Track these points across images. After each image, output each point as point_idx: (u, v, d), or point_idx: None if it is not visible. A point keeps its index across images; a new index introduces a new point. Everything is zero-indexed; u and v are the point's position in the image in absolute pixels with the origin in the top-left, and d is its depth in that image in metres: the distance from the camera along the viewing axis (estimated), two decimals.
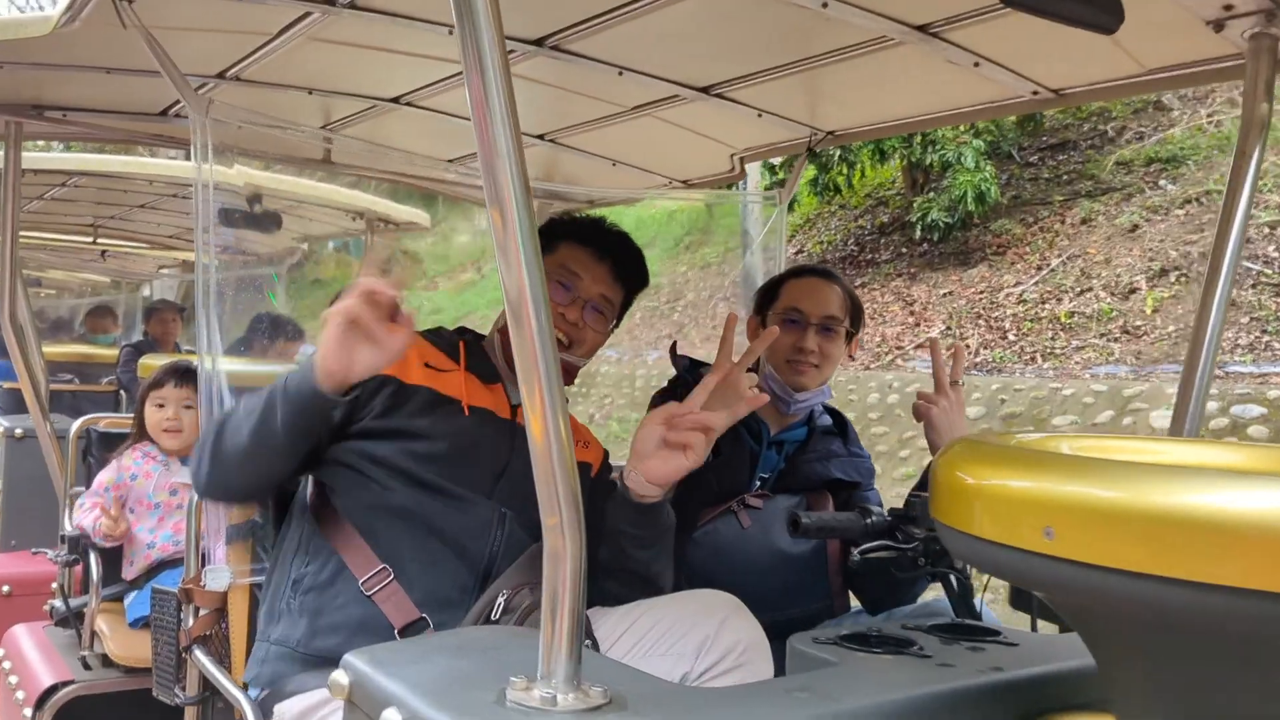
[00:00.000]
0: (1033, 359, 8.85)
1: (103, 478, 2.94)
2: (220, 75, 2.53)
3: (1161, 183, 10.35)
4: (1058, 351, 8.76)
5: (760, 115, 2.57)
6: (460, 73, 2.49)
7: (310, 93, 2.70)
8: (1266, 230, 8.70)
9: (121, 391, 5.47)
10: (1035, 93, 2.16)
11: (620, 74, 2.35)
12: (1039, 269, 9.99)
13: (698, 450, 1.64)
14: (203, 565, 1.93)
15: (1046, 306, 9.43)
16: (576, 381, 2.07)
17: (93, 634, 2.74)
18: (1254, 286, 8.24)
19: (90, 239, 6.29)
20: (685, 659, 1.57)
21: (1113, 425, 7.41)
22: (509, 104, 1.01)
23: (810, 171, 11.24)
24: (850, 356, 2.29)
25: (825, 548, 2.12)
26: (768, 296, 2.34)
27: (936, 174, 11.31)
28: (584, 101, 2.65)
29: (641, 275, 2.04)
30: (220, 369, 1.93)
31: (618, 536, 1.73)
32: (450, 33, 2.17)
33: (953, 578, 1.64)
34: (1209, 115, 10.99)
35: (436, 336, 1.97)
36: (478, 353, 1.96)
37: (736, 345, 1.79)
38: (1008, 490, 0.94)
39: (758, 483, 2.20)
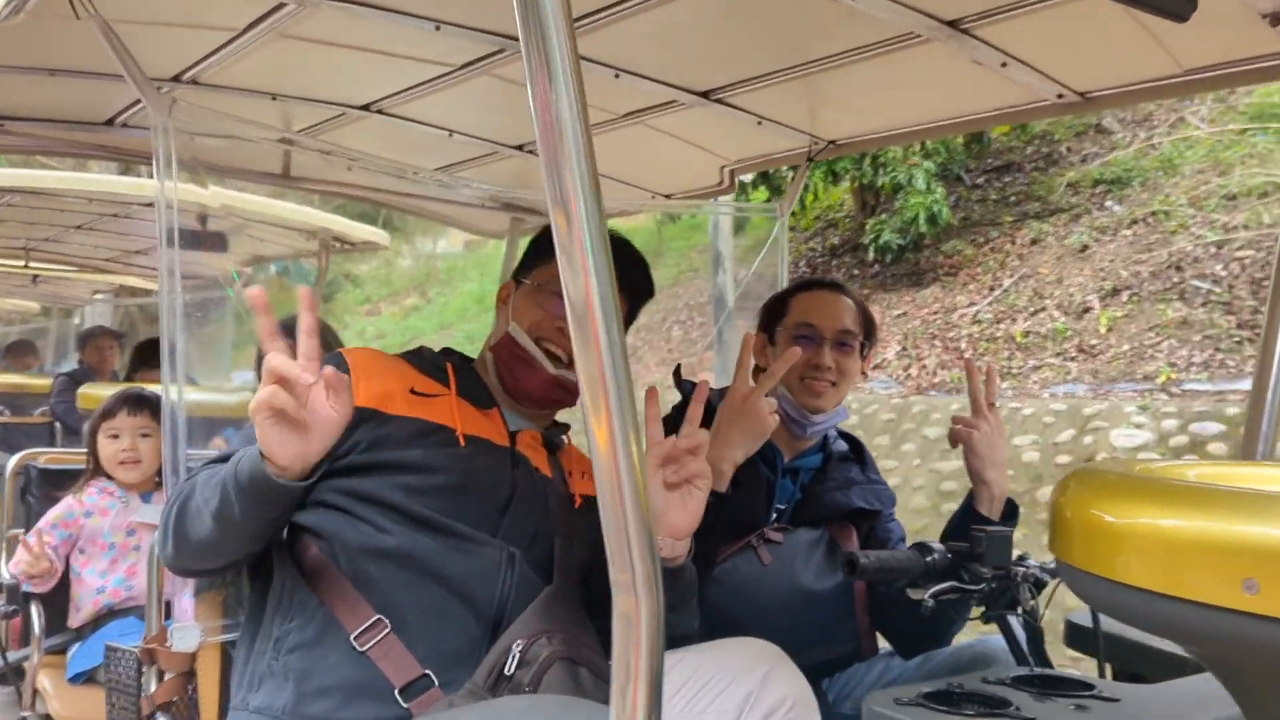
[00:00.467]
0: None
1: (52, 514, 2.68)
2: (175, 78, 2.33)
3: (1108, 204, 10.47)
4: (1015, 371, 8.76)
5: (760, 123, 2.43)
6: (442, 75, 2.34)
7: (274, 98, 2.50)
8: (1214, 249, 8.81)
9: (57, 424, 5.15)
10: (1060, 96, 2.04)
11: (617, 76, 2.19)
12: (991, 289, 10.02)
13: (706, 477, 1.49)
14: (165, 618, 1.72)
15: (1001, 326, 9.45)
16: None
17: (34, 692, 2.48)
18: (1204, 305, 8.33)
19: (22, 263, 5.97)
20: (727, 716, 1.40)
21: (1074, 445, 7.40)
22: (578, 94, 0.86)
23: (762, 193, 11.19)
24: (864, 373, 2.15)
25: (851, 584, 1.97)
26: (775, 312, 2.19)
27: (887, 196, 11.34)
28: None
29: (645, 285, 1.88)
30: (185, 400, 1.72)
31: None
32: (437, 29, 2.00)
33: (1014, 621, 1.49)
34: (1147, 138, 11.18)
35: (419, 359, 1.78)
36: (469, 375, 1.77)
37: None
38: (1189, 534, 0.79)
39: (774, 514, 2.04)
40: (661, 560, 1.51)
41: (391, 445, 1.57)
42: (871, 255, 11.04)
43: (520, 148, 2.87)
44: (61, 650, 2.60)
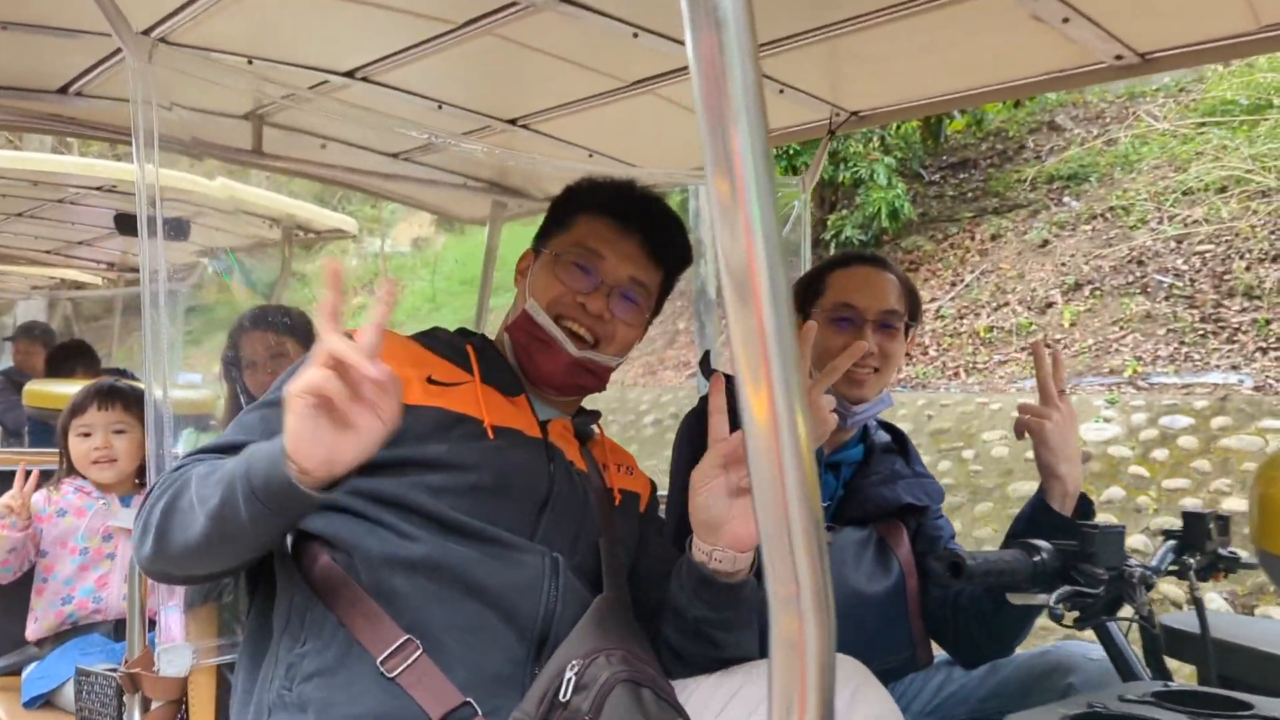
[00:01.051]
0: (956, 374, 8.80)
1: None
2: (145, 33, 2.09)
3: (1065, 199, 10.51)
4: (980, 366, 8.72)
5: (782, 91, 2.26)
6: (440, 35, 2.14)
7: (250, 62, 2.28)
8: (1174, 244, 8.85)
9: None
10: (1119, 57, 1.90)
11: (636, 36, 2.01)
12: (953, 284, 10.00)
13: None
14: (149, 634, 1.50)
15: (965, 322, 9.42)
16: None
17: None
18: (1167, 299, 8.35)
19: None
20: None
21: None
22: (749, 40, 0.69)
23: None
24: (907, 354, 1.99)
25: (905, 587, 1.80)
26: (810, 291, 2.01)
27: (847, 191, 11.29)
28: (577, 75, 2.30)
29: (681, 250, 1.67)
30: (170, 397, 1.52)
31: (698, 624, 1.40)
32: None
33: (1114, 627, 1.34)
34: (1100, 135, 11.27)
35: (434, 342, 1.58)
36: (493, 359, 1.57)
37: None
38: None
39: None
40: (720, 575, 1.34)
41: (412, 440, 1.37)
42: (833, 251, 10.97)
43: (514, 122, 2.68)
44: (15, 671, 2.34)
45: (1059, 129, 11.95)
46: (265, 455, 1.16)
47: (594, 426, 1.65)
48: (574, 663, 1.24)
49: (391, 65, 2.31)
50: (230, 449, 1.34)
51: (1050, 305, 8.94)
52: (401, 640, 1.25)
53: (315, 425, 1.11)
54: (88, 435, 2.48)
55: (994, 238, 10.42)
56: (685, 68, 2.18)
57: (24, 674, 2.33)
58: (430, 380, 1.45)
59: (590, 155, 2.85)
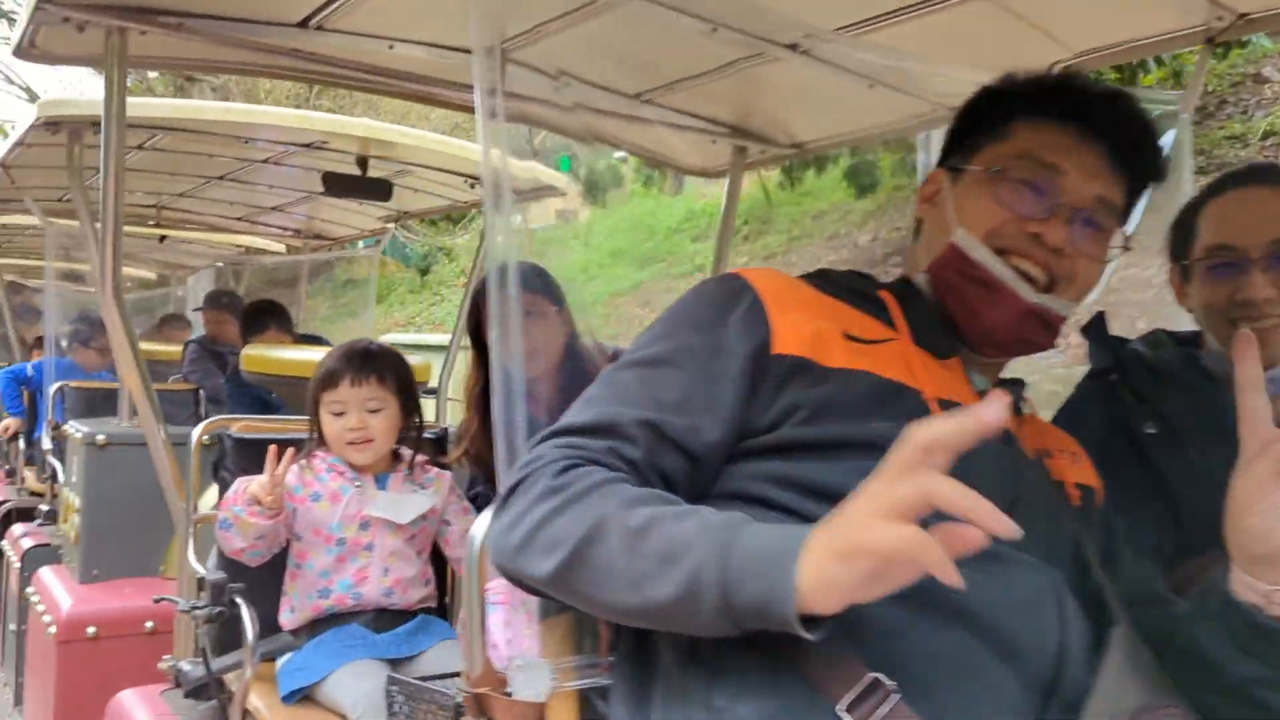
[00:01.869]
0: None
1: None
2: None
3: None
4: None
5: None
6: None
7: None
8: None
9: (200, 391, 4.82)
10: None
11: None
12: (1159, 252, 9.22)
13: None
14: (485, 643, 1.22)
15: None
16: None
17: (244, 714, 2.02)
18: None
19: (153, 222, 5.57)
20: None
21: None
22: None
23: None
24: None
25: None
26: (1184, 231, 1.60)
27: None
28: None
29: (1153, 159, 1.25)
30: (516, 376, 1.24)
31: (1244, 684, 1.03)
32: None
33: None
34: None
35: (833, 285, 1.22)
36: (920, 311, 1.22)
37: None
38: None
39: None
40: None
41: (841, 413, 1.04)
42: None
43: (793, 47, 2.31)
44: (270, 658, 2.13)
45: (1265, 81, 10.95)
46: (763, 580, 0.84)
47: (1024, 401, 1.29)
48: None
49: None
50: (610, 429, 1.04)
51: None
52: (867, 681, 0.92)
53: (877, 583, 0.81)
54: (341, 414, 2.23)
55: None
56: None
57: (279, 664, 2.13)
58: (848, 336, 1.12)
59: (871, 86, 2.47)
